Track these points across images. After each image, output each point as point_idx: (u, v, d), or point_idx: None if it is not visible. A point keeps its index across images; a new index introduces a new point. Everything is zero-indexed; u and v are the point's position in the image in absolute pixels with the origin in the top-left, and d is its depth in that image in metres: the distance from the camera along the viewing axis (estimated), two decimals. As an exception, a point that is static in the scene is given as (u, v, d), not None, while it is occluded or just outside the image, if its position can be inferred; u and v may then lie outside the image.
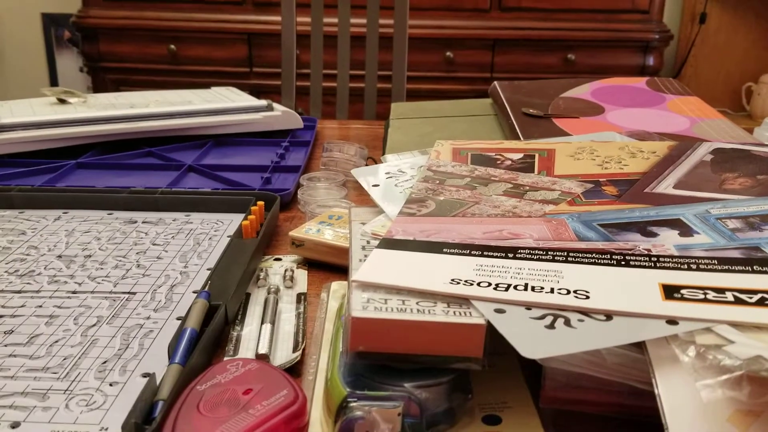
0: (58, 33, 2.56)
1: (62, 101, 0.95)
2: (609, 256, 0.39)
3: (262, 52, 2.09)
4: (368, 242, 0.43)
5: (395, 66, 1.36)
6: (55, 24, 2.55)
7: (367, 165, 0.79)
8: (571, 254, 0.39)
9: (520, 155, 0.54)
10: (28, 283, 0.47)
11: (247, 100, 1.00)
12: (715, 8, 2.41)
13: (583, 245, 0.40)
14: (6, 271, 0.49)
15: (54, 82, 2.62)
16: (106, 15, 2.05)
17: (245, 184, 0.72)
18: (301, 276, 0.52)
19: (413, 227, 0.43)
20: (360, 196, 0.71)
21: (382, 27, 1.35)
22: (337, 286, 0.49)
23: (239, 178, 0.74)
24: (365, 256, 0.40)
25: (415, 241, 0.41)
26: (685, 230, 0.42)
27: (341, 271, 0.53)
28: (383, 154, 0.84)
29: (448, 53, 2.08)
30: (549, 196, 0.47)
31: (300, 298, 0.48)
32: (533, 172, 0.52)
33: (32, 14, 2.54)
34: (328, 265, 0.54)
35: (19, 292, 0.46)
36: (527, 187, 0.49)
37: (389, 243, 0.41)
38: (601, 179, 0.49)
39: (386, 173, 0.54)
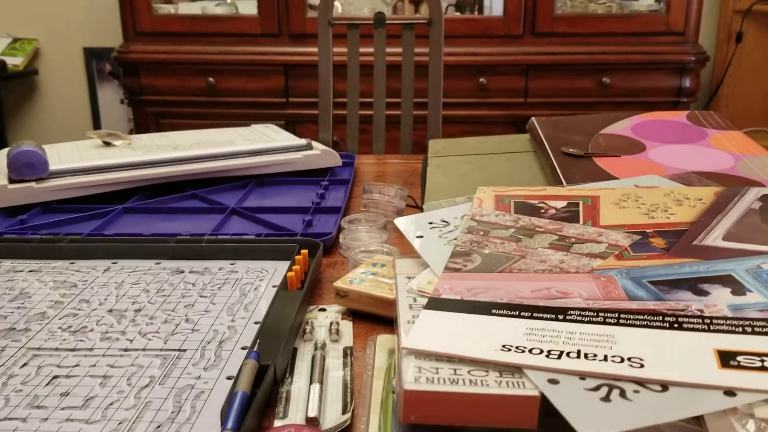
0: (100, 66, 2.64)
1: (107, 144, 0.98)
2: (661, 318, 0.38)
3: (298, 82, 2.12)
4: (415, 300, 0.43)
5: (431, 97, 1.36)
6: (97, 58, 2.63)
7: (406, 205, 0.80)
8: (622, 316, 0.38)
9: (564, 203, 0.54)
10: (81, 341, 0.48)
11: (287, 138, 1.01)
12: (752, 27, 2.37)
13: (633, 305, 0.40)
14: (60, 327, 0.50)
15: (95, 113, 2.69)
16: (147, 50, 2.11)
17: (287, 228, 0.73)
18: (347, 328, 0.52)
19: (460, 285, 0.43)
20: (400, 239, 0.71)
21: (416, 55, 1.37)
22: (383, 340, 0.49)
23: (281, 221, 0.75)
24: (413, 317, 0.40)
25: (463, 301, 0.41)
26: (737, 288, 0.41)
27: (386, 322, 0.53)
28: (422, 193, 0.84)
29: (481, 79, 2.08)
30: (596, 249, 0.47)
31: (346, 352, 0.48)
32: (578, 221, 0.51)
33: (75, 49, 2.62)
34: (373, 314, 0.54)
35: (72, 350, 0.47)
36: (573, 239, 0.48)
37: (437, 303, 0.41)
38: (648, 230, 0.49)
39: (429, 223, 0.55)
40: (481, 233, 0.50)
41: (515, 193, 0.56)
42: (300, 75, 2.12)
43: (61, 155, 0.88)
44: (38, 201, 0.78)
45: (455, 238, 0.50)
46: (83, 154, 0.89)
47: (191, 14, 2.23)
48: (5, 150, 0.88)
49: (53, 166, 0.80)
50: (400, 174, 1.06)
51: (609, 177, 0.66)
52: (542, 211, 0.53)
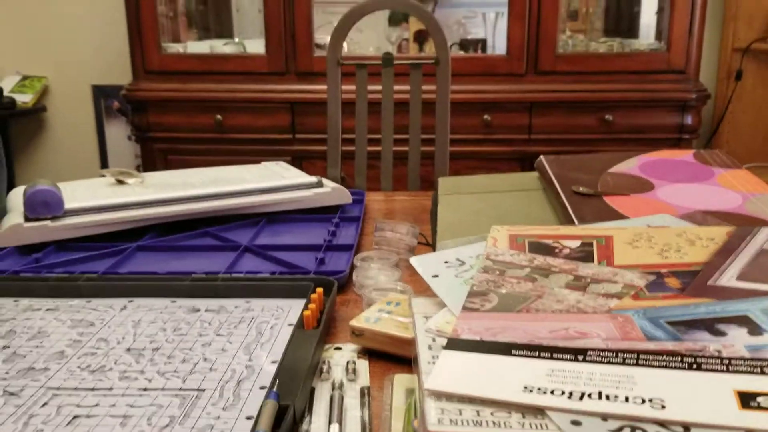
0: (108, 103, 2.68)
1: (120, 182, 0.99)
2: (680, 359, 0.39)
3: (304, 119, 2.15)
4: (434, 340, 0.44)
5: (438, 135, 1.38)
6: (105, 95, 2.67)
7: (418, 243, 0.80)
8: (641, 356, 0.39)
9: (578, 243, 0.55)
10: (100, 380, 0.49)
11: (298, 176, 1.02)
12: (751, 65, 2.41)
13: (652, 346, 0.40)
14: (79, 367, 0.50)
15: (103, 150, 2.72)
16: (156, 88, 2.14)
17: (300, 266, 0.73)
18: (363, 367, 0.53)
19: (479, 325, 0.44)
20: (413, 276, 0.71)
21: (423, 92, 1.39)
22: (400, 379, 0.49)
23: (294, 258, 0.76)
24: (433, 357, 0.41)
25: (482, 342, 0.41)
26: (753, 328, 0.41)
27: (402, 361, 0.53)
28: (432, 230, 0.85)
29: (485, 116, 2.11)
30: (612, 289, 0.47)
31: (363, 392, 0.49)
32: (593, 261, 0.52)
33: (83, 86, 2.66)
34: (388, 353, 0.54)
35: (92, 389, 0.47)
36: (589, 279, 0.49)
37: (457, 344, 0.41)
38: (662, 270, 0.50)
39: (445, 262, 0.55)
40: (497, 273, 0.51)
41: (529, 233, 0.57)
42: (306, 112, 2.14)
43: (75, 193, 0.89)
44: (53, 239, 0.79)
45: (471, 278, 0.51)
46: (97, 193, 0.91)
47: (200, 53, 2.27)
48: (21, 188, 0.90)
49: (68, 205, 0.81)
50: (409, 211, 1.07)
51: (619, 216, 0.67)
52: (557, 250, 0.54)
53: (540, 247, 0.55)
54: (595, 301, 0.46)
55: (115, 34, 2.53)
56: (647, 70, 2.08)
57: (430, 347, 0.42)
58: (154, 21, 2.13)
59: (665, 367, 0.38)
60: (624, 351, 0.40)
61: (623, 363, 0.38)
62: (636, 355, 0.39)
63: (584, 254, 0.53)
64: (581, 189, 0.74)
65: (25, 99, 2.60)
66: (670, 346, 0.40)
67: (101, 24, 2.58)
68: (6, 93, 2.55)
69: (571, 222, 0.68)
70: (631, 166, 0.83)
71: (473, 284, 0.49)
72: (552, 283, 0.49)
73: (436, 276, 0.53)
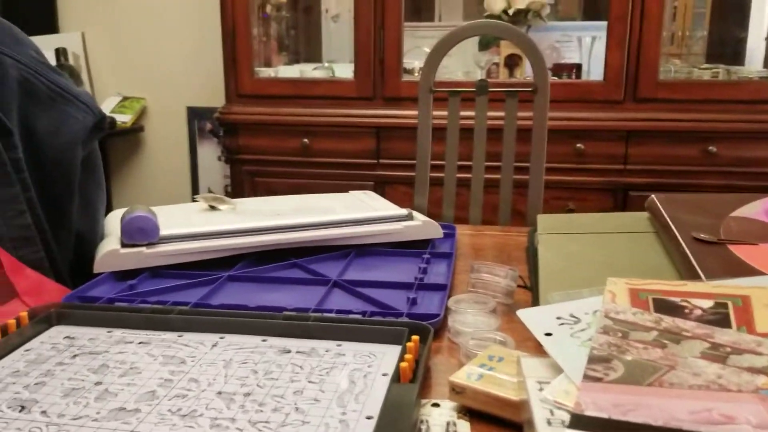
0: (201, 125, 2.76)
1: (213, 208, 0.99)
2: None
3: (389, 144, 2.13)
4: (552, 413, 0.39)
5: (533, 165, 1.33)
6: (199, 117, 2.75)
7: (517, 286, 0.76)
8: (806, 453, 0.33)
9: (711, 303, 0.49)
10: (190, 427, 0.46)
11: (387, 207, 1.00)
12: None
13: (816, 439, 0.34)
14: (169, 410, 0.49)
15: (194, 169, 2.80)
16: (247, 111, 2.18)
17: (392, 306, 0.70)
18: (464, 429, 0.48)
19: (604, 399, 0.39)
20: (511, 324, 0.67)
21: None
22: (506, 448, 0.45)
23: (384, 296, 0.73)
24: (554, 435, 0.36)
25: (612, 421, 0.36)
26: None
27: (507, 424, 0.49)
28: (530, 272, 0.80)
29: (578, 144, 2.03)
30: (757, 362, 0.41)
31: (467, 459, 0.44)
32: (730, 326, 0.46)
33: (179, 108, 2.76)
34: (490, 414, 0.50)
35: (183, 437, 0.45)
36: (728, 349, 0.43)
37: (581, 422, 0.37)
38: (816, 342, 0.43)
39: (557, 318, 0.51)
40: (620, 335, 0.46)
41: (652, 288, 0.51)
42: (391, 137, 2.13)
43: (169, 219, 0.89)
44: (148, 266, 0.79)
45: (589, 339, 0.46)
46: (191, 219, 0.91)
47: (290, 78, 2.31)
48: (117, 212, 0.91)
49: (163, 231, 0.82)
50: (501, 248, 1.02)
51: (752, 270, 0.60)
52: (686, 311, 0.48)
53: (666, 306, 0.49)
54: (739, 377, 0.40)
55: (210, 59, 2.60)
56: (756, 99, 1.95)
57: (549, 422, 0.38)
58: (249, 46, 2.18)
59: (838, 469, 0.32)
60: (783, 444, 0.34)
61: (784, 460, 0.33)
62: (799, 452, 0.33)
63: (719, 317, 0.47)
64: (702, 236, 0.68)
65: (124, 119, 2.71)
66: (840, 441, 0.34)
67: (198, 49, 2.67)
68: (107, 113, 2.67)
69: (693, 273, 0.61)
70: (755, 210, 0.76)
71: (593, 347, 0.44)
72: (685, 351, 0.43)
73: (549, 334, 0.48)
